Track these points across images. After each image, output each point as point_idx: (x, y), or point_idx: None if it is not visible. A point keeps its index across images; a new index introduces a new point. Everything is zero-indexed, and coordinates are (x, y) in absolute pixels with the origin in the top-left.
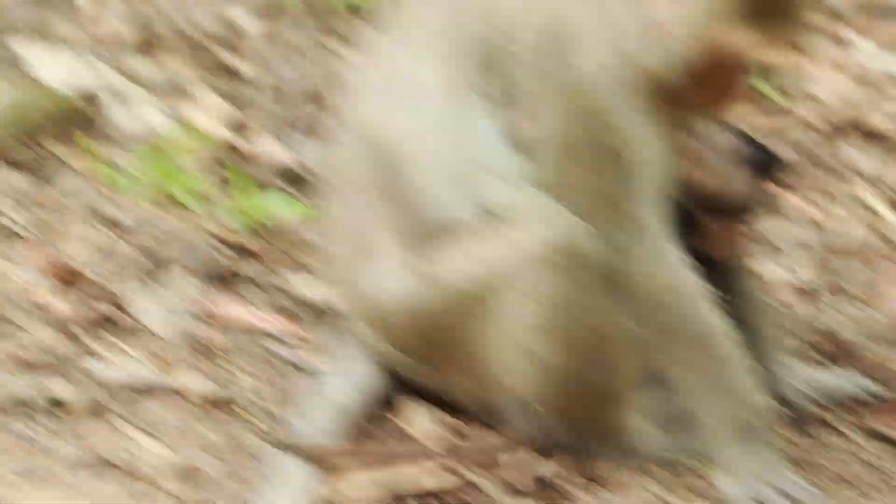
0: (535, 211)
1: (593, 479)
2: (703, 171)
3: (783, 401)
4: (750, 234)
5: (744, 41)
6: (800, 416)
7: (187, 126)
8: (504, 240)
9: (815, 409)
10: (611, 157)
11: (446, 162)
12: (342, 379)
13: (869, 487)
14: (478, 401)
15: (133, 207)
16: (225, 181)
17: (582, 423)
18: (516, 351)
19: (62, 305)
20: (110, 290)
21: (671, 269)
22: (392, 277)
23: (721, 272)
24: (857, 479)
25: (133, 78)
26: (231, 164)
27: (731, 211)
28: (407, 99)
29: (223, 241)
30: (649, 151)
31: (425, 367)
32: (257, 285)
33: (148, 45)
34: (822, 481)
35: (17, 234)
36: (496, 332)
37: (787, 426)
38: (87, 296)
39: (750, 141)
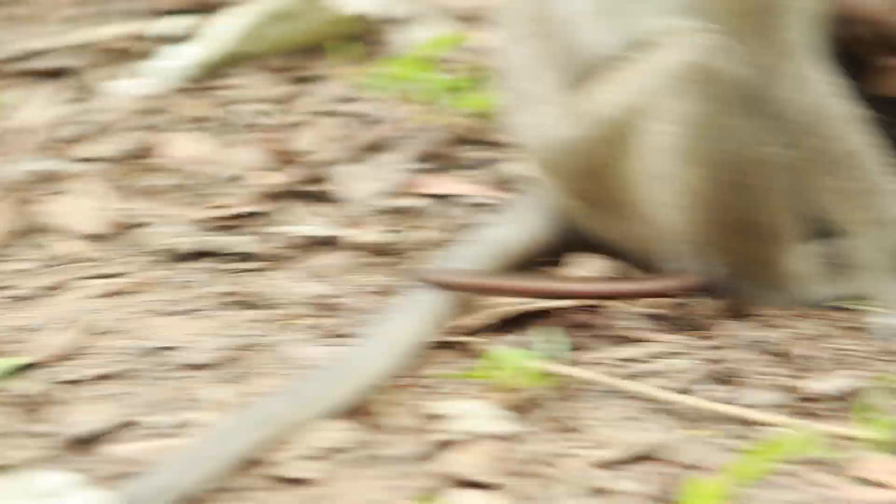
0: (678, 35)
1: (739, 315)
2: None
3: None
4: None
5: None
6: None
7: (457, 36)
8: (647, 65)
9: None
10: None
11: None
12: (506, 226)
13: None
14: (641, 246)
15: (372, 104)
16: (477, 80)
17: (738, 263)
18: (664, 180)
19: (272, 179)
20: (323, 167)
21: (821, 92)
22: (551, 118)
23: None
24: None
25: (432, 4)
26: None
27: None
28: None
29: (446, 130)
30: None
31: (591, 213)
32: (468, 167)
33: None
34: None
35: (257, 128)
36: (644, 162)
37: None
38: (299, 172)
39: None
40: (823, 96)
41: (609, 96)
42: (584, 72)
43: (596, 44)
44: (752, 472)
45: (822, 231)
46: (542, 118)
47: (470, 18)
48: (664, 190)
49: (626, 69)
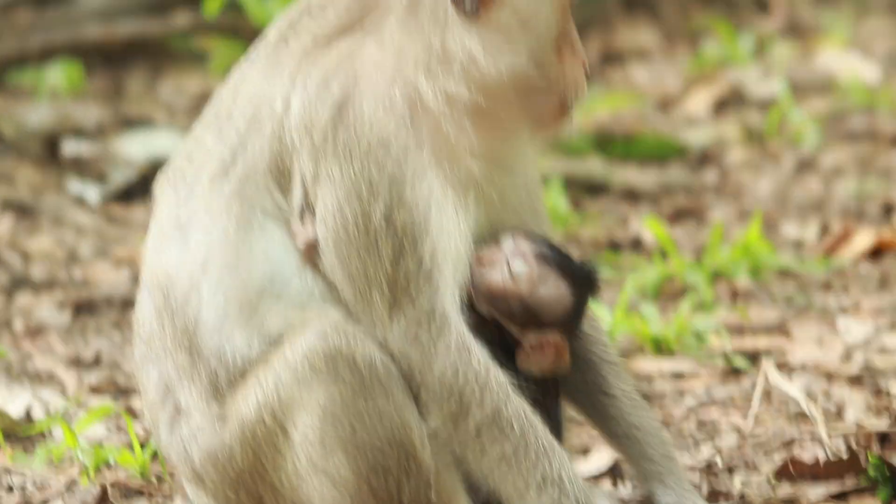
0: (304, 325)
1: None
2: (510, 279)
3: None
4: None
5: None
6: None
7: None
8: (276, 361)
9: None
10: (405, 237)
11: (230, 297)
12: None
13: None
14: None
15: None
16: None
17: None
18: (318, 477)
19: None
20: None
21: (477, 361)
22: (201, 432)
23: (544, 389)
24: None
25: None
26: None
27: (546, 323)
28: (192, 241)
29: None
30: (450, 228)
31: None
32: None
33: None
34: None
35: None
36: (297, 461)
37: None
38: None
39: (562, 253)
40: (480, 366)
41: (250, 399)
42: (227, 379)
43: (234, 347)
44: None
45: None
46: (190, 432)
47: None
48: (320, 487)
49: (261, 368)
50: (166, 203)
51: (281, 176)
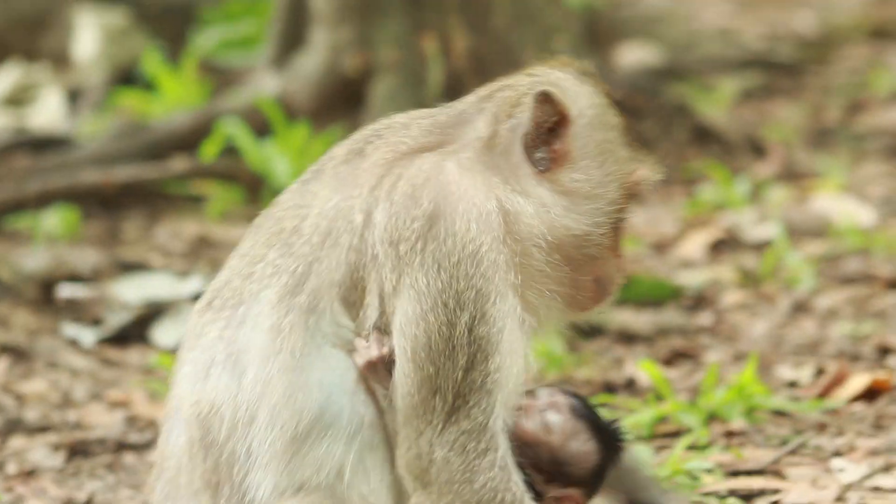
0: (316, 482)
1: None
2: (543, 429)
3: None
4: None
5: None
6: None
7: None
8: None
9: None
10: (479, 350)
11: (286, 430)
12: None
13: None
14: None
15: None
16: None
17: None
18: None
19: None
20: None
21: (516, 488)
22: None
23: None
24: None
25: None
26: None
27: (571, 478)
28: (249, 369)
29: None
30: (516, 350)
31: None
32: None
33: None
34: None
35: None
36: None
37: None
38: None
39: (594, 412)
40: (517, 488)
41: None
42: None
43: (256, 491)
44: None
45: None
46: None
47: None
48: None
49: None
50: (211, 329)
51: (353, 289)
